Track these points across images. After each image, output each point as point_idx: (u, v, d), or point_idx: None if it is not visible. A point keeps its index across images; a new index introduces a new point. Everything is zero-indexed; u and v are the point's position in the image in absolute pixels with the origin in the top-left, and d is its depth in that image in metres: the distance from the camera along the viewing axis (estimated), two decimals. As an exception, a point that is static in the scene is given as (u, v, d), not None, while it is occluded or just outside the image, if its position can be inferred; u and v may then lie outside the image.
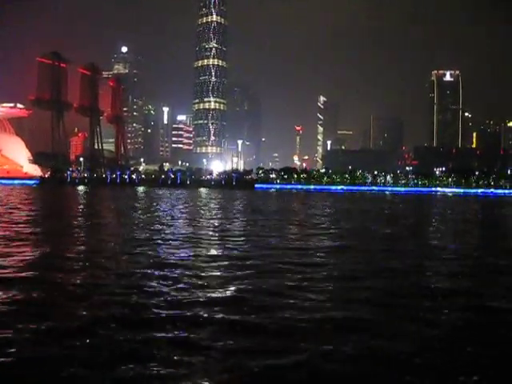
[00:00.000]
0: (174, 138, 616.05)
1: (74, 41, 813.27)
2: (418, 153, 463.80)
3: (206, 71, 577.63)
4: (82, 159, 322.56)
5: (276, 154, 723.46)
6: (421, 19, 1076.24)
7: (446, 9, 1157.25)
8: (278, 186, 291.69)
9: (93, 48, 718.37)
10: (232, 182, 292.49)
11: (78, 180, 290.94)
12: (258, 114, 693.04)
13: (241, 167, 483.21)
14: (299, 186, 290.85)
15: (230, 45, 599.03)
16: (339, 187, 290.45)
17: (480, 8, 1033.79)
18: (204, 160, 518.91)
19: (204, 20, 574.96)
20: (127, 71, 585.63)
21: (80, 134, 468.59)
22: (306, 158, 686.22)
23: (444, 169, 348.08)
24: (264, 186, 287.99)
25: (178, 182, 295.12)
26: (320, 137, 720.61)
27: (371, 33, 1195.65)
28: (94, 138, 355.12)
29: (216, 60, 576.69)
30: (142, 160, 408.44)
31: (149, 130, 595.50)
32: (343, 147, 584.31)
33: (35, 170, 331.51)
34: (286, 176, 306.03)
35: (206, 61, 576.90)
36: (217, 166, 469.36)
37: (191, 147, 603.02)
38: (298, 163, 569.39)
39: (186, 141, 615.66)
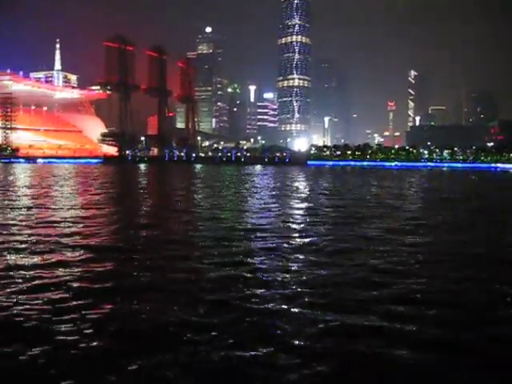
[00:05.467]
0: (259, 116, 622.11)
1: (158, 24, 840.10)
2: (504, 127, 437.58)
3: (289, 48, 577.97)
4: (143, 138, 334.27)
5: (369, 131, 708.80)
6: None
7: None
8: (330, 163, 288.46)
9: (179, 29, 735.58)
10: (285, 159, 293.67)
11: (138, 158, 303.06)
12: (347, 90, 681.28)
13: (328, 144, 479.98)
14: (352, 163, 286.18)
15: (315, 21, 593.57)
16: (393, 163, 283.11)
17: None
18: (287, 138, 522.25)
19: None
20: (211, 51, 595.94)
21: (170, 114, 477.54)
22: (398, 134, 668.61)
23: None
24: (317, 162, 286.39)
25: (233, 159, 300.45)
26: (411, 112, 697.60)
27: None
28: (161, 118, 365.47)
29: (299, 37, 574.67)
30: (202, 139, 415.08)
31: (234, 109, 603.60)
32: (432, 123, 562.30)
33: (113, 150, 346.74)
34: (338, 152, 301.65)
35: (289, 38, 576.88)
36: (300, 144, 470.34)
37: (276, 125, 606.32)
38: (382, 140, 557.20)
39: (271, 118, 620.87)
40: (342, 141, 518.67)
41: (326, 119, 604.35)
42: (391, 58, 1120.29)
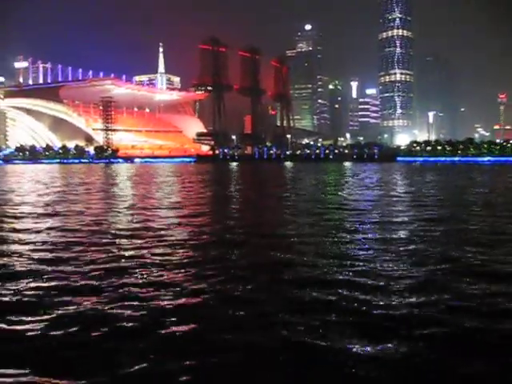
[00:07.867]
0: (361, 113, 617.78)
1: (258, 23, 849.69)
2: None
3: (390, 43, 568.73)
4: (233, 137, 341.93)
5: (478, 125, 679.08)
6: None
7: None
8: (421, 159, 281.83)
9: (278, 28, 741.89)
10: (374, 155, 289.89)
11: (229, 157, 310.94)
12: (453, 84, 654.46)
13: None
14: (442, 159, 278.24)
15: (417, 13, 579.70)
16: (485, 159, 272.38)
17: None
18: (389, 134, 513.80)
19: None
20: (311, 48, 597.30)
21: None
22: (509, 127, 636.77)
23: None
24: (406, 159, 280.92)
25: (322, 156, 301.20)
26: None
27: None
28: (255, 117, 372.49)
29: (400, 30, 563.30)
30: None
31: (336, 106, 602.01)
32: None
33: (206, 149, 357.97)
34: (429, 148, 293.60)
35: (390, 32, 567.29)
36: (402, 139, 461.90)
37: (379, 121, 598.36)
38: (487, 134, 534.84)
39: (373, 114, 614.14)
40: (441, 136, 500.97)
41: (431, 114, 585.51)
42: (500, 45, 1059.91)
